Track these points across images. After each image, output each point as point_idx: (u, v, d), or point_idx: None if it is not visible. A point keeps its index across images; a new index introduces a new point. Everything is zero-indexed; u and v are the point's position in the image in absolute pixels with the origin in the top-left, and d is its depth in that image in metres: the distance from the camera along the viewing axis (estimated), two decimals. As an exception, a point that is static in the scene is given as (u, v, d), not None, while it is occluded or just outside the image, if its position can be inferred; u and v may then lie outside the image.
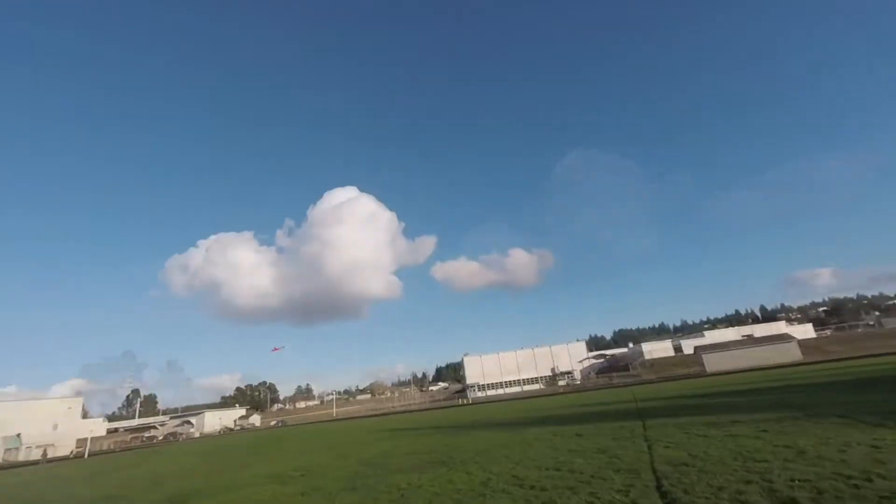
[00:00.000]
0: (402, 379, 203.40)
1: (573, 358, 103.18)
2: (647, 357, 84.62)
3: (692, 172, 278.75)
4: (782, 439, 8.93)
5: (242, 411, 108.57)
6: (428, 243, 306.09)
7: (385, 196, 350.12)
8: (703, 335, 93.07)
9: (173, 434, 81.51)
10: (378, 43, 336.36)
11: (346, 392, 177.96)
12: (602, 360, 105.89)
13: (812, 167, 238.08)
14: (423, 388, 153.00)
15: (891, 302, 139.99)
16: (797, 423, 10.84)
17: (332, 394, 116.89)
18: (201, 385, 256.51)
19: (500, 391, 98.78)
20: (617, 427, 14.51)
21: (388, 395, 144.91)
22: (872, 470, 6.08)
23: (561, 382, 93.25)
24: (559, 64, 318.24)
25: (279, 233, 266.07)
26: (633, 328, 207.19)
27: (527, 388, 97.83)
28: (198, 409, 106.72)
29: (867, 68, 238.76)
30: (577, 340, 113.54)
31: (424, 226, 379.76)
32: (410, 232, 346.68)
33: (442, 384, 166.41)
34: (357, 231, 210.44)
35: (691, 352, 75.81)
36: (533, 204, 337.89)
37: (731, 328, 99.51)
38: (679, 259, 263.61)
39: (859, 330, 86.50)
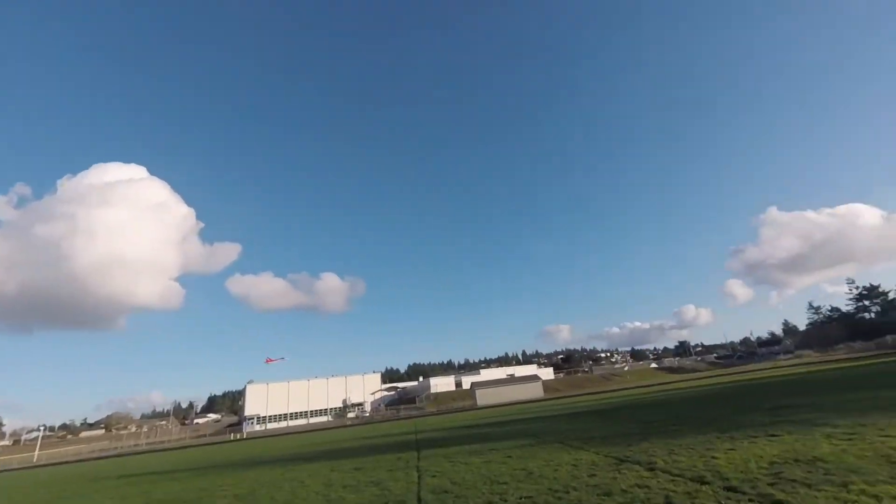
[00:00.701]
0: (160, 409, 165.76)
1: (367, 389, 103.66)
2: (432, 391, 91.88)
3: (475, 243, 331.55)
4: (519, 463, 10.86)
5: None
6: (229, 251, 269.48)
7: (186, 188, 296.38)
8: (479, 373, 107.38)
9: None
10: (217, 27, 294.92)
11: (64, 427, 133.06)
12: (394, 392, 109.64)
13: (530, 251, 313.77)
14: (186, 421, 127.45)
15: (599, 355, 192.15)
16: (532, 448, 13.38)
17: (39, 429, 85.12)
18: None
19: (285, 424, 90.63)
20: (395, 459, 15.04)
21: (134, 429, 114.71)
22: (570, 484, 7.94)
23: (350, 414, 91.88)
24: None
25: (1, 199, 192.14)
26: (426, 363, 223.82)
27: (315, 420, 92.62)
28: None
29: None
30: (374, 372, 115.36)
31: (229, 231, 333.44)
32: (210, 235, 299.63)
33: (213, 416, 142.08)
34: (132, 220, 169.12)
35: (469, 387, 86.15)
36: (354, 227, 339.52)
37: (500, 368, 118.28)
38: (464, 308, 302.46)
39: (579, 374, 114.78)
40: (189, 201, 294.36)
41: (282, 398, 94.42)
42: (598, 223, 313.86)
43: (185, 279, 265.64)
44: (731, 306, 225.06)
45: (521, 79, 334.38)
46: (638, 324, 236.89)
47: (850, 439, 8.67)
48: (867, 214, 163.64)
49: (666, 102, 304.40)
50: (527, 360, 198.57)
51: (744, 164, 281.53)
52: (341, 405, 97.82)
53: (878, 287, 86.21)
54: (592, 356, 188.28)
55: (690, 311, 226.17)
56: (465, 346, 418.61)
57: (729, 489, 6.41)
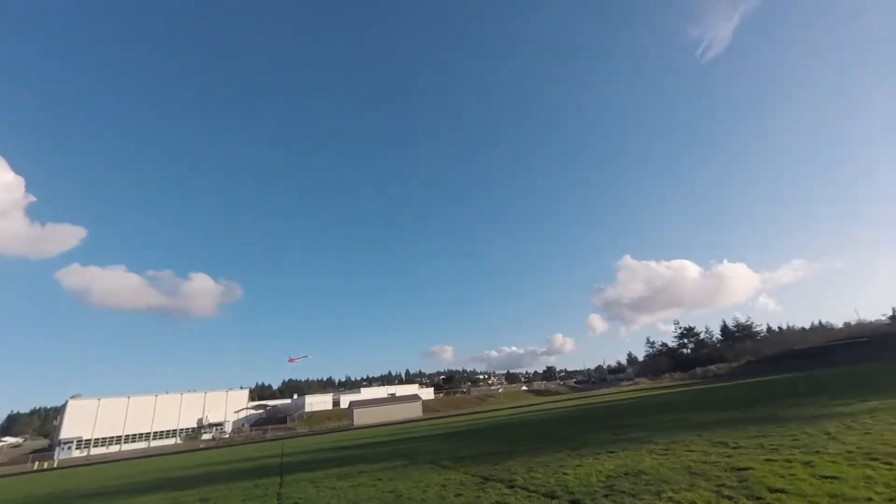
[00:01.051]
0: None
1: (231, 407, 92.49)
2: (307, 409, 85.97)
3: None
4: (389, 485, 10.70)
5: None
6: (68, 235, 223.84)
7: (16, 153, 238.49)
8: (359, 391, 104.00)
9: None
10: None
11: None
12: (262, 411, 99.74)
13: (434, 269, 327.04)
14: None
15: (478, 376, 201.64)
16: (404, 469, 13.31)
17: None
18: None
19: (117, 448, 75.51)
20: (252, 486, 13.60)
21: None
22: (436, 504, 8.08)
23: (206, 436, 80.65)
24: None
25: None
26: (303, 379, 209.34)
27: (159, 443, 79.06)
28: None
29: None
30: (242, 388, 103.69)
31: (72, 211, 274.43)
32: (42, 213, 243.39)
33: (11, 440, 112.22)
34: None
35: (347, 406, 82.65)
36: (236, 225, 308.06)
37: (382, 387, 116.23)
38: (350, 324, 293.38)
39: (458, 395, 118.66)
40: (17, 168, 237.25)
41: (116, 417, 78.58)
42: (484, 253, 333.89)
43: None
44: (591, 337, 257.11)
45: (413, 95, 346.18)
46: (514, 348, 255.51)
47: (665, 454, 10.43)
48: (691, 269, 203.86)
49: (548, 161, 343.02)
50: (410, 379, 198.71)
51: (611, 216, 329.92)
52: (196, 425, 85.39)
53: (693, 329, 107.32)
54: (472, 377, 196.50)
55: (559, 339, 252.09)
56: (349, 364, 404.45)
57: (573, 502, 7.24)
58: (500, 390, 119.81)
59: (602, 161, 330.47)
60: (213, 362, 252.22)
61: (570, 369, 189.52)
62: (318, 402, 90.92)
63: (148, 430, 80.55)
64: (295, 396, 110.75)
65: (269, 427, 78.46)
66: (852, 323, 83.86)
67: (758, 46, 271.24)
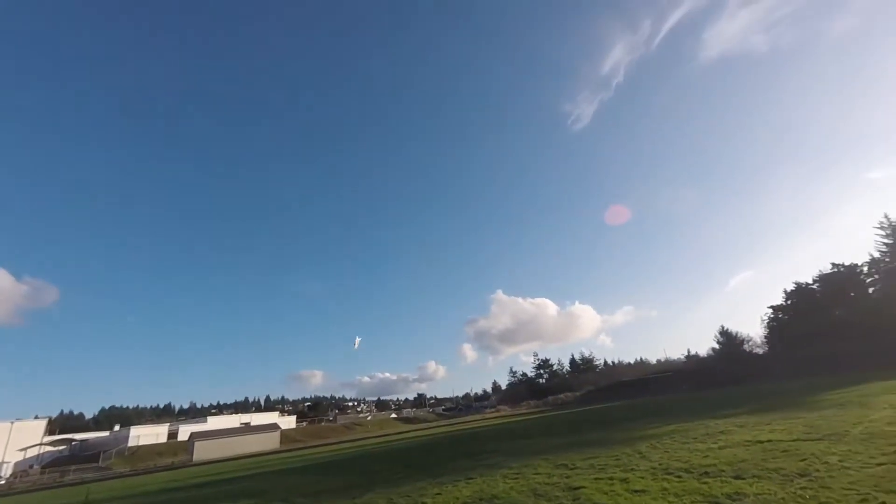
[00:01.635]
0: None
1: (17, 443, 71.34)
2: (131, 444, 71.10)
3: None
4: (230, 530, 9.40)
5: None
6: None
7: None
8: (206, 420, 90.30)
9: None
10: None
11: None
12: (65, 447, 79.16)
13: (305, 290, 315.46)
14: None
15: (347, 403, 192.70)
16: (250, 511, 11.86)
17: None
18: None
19: None
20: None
21: None
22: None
23: (-34, 483, 60.40)
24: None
25: None
26: (131, 406, 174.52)
27: None
28: None
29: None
30: (36, 418, 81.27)
31: None
32: None
33: None
34: None
35: (187, 438, 70.82)
36: (44, 208, 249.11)
37: (235, 415, 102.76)
38: (196, 343, 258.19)
39: (323, 423, 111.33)
40: None
41: None
42: (359, 275, 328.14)
43: None
44: (462, 365, 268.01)
45: (307, 101, 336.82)
46: (388, 374, 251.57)
47: (516, 478, 11.29)
48: (550, 307, 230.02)
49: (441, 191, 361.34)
50: (269, 406, 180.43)
51: (490, 254, 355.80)
52: (-49, 470, 63.47)
53: (548, 360, 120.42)
54: (340, 404, 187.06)
55: (432, 366, 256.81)
56: (195, 388, 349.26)
57: (429, 531, 7.30)
58: (370, 418, 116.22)
59: (487, 208, 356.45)
60: (3, 385, 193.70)
61: (440, 396, 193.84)
62: (147, 435, 75.97)
63: None
64: (116, 427, 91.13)
65: (72, 467, 62.48)
66: (662, 360, 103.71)
67: (614, 122, 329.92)
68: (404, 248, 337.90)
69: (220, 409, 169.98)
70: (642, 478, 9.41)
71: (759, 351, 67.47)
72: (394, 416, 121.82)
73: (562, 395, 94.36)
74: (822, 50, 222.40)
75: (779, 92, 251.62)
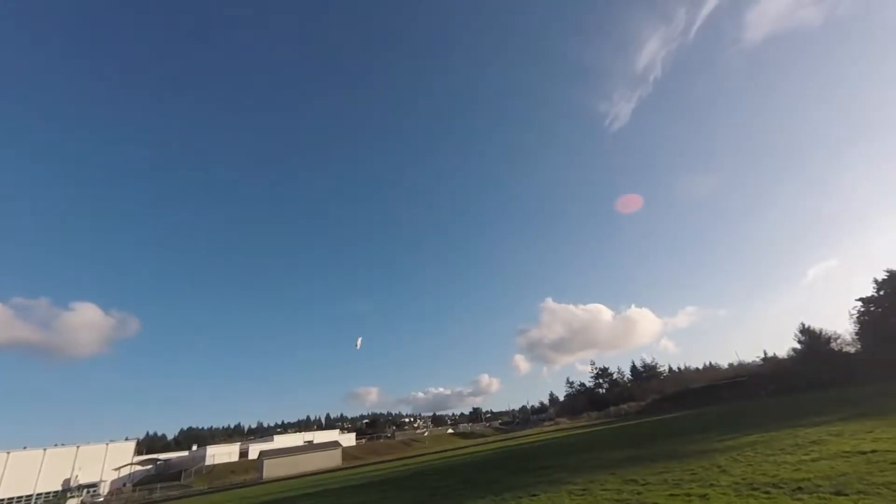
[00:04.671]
0: None
1: (112, 463, 78.45)
2: (208, 463, 75.77)
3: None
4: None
5: None
6: None
7: None
8: (272, 439, 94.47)
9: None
10: None
11: None
12: (151, 466, 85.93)
13: (358, 309, 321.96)
14: None
15: (403, 419, 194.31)
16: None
17: None
18: None
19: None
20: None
21: None
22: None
23: (72, 500, 67.09)
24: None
25: None
26: (206, 427, 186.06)
27: (4, 513, 64.19)
28: None
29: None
30: (127, 439, 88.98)
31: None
32: None
33: None
34: None
35: (256, 456, 74.39)
36: (128, 246, 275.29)
37: (298, 433, 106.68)
38: (261, 366, 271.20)
39: (381, 440, 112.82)
40: None
41: (-54, 482, 62.71)
42: (412, 292, 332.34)
43: None
44: (516, 377, 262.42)
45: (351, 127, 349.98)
46: (441, 389, 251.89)
47: (582, 495, 10.75)
48: (605, 313, 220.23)
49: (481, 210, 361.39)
50: (330, 424, 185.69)
51: (536, 261, 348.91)
52: (61, 488, 70.75)
53: (607, 369, 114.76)
54: (397, 421, 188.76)
55: (485, 379, 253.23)
56: (261, 409, 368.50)
57: (494, 551, 7.08)
58: (426, 434, 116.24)
59: (530, 214, 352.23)
60: (95, 409, 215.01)
61: (495, 410, 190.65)
62: (221, 454, 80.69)
63: (-6, 497, 65.18)
64: (194, 447, 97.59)
65: (159, 485, 67.57)
66: (735, 364, 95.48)
67: (655, 117, 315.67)
68: (450, 262, 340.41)
69: (284, 428, 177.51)
70: (724, 494, 8.62)
71: (850, 349, 60.28)
72: (450, 431, 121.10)
73: (624, 406, 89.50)
74: (888, 14, 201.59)
75: (840, 66, 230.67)
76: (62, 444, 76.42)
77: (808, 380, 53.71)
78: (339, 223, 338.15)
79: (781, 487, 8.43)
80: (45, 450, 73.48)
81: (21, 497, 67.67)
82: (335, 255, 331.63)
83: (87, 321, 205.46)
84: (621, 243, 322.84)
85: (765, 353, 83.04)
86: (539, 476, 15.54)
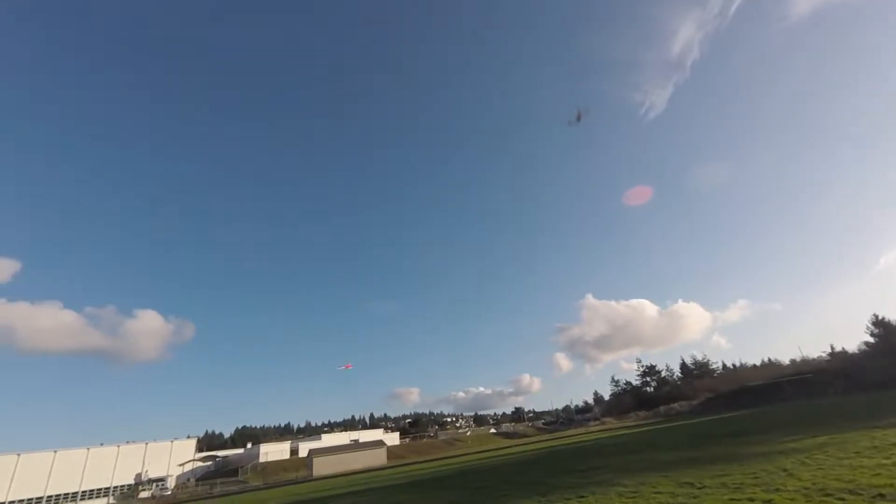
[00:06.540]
0: None
1: (176, 460, 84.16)
2: (261, 460, 79.57)
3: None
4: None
5: None
6: None
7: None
8: (320, 438, 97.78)
9: None
10: None
11: None
12: (210, 462, 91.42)
13: (396, 310, 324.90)
14: None
15: (445, 419, 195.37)
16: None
17: None
18: None
19: (33, 512, 66.31)
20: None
21: None
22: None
23: (144, 493, 72.53)
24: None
25: None
26: (258, 426, 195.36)
27: (88, 503, 70.30)
28: None
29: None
30: (188, 437, 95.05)
31: (7, 243, 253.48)
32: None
33: None
34: None
35: (306, 455, 77.26)
36: (184, 257, 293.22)
37: (345, 432, 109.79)
38: (308, 366, 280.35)
39: (424, 440, 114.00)
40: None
41: (39, 475, 69.41)
42: (448, 291, 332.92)
43: None
44: (558, 376, 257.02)
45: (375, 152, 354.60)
46: (482, 389, 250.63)
47: (633, 497, 10.33)
48: (649, 308, 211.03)
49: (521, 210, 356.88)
50: (374, 423, 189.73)
51: (574, 257, 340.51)
52: (133, 481, 76.64)
53: (655, 367, 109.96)
54: (439, 420, 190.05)
55: (526, 379, 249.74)
56: (308, 408, 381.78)
57: (543, 553, 6.92)
58: (468, 433, 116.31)
59: (567, 208, 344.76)
60: (158, 409, 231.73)
61: (538, 410, 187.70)
62: (273, 452, 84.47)
63: (76, 489, 71.52)
64: (248, 445, 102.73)
65: (219, 481, 71.69)
66: (797, 360, 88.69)
67: (695, 102, 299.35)
68: (486, 260, 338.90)
69: (331, 427, 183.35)
70: (792, 500, 8.00)
71: (934, 342, 54.56)
72: (493, 431, 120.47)
73: (675, 405, 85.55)
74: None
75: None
76: (132, 442, 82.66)
77: (883, 376, 49.06)
78: (377, 225, 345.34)
79: (860, 494, 7.71)
80: (118, 446, 79.82)
81: (101, 489, 73.87)
82: (375, 257, 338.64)
83: (149, 327, 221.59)
84: (663, 235, 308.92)
85: (832, 348, 76.79)
86: (586, 477, 15.11)
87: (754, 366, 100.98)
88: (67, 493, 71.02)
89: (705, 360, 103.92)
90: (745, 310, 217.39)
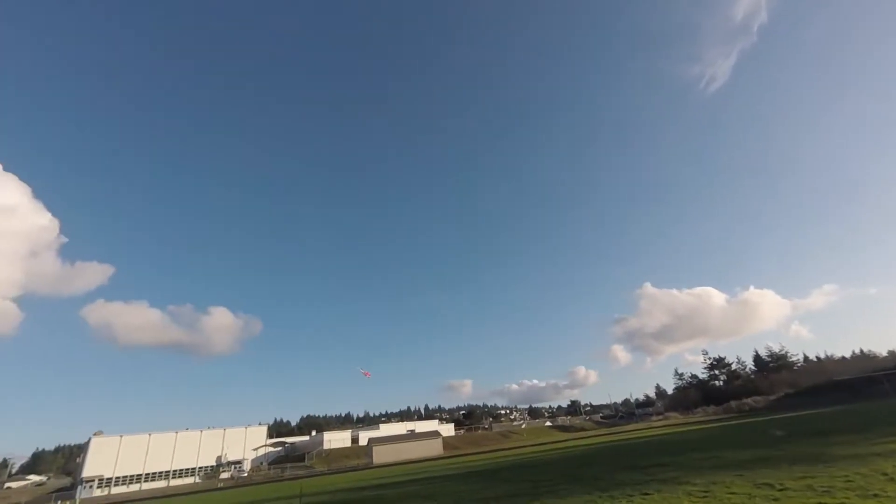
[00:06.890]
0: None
1: (249, 445, 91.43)
2: (325, 447, 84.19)
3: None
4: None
5: None
6: (95, 272, 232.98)
7: (53, 196, 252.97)
8: (378, 427, 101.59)
9: None
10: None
11: None
12: (280, 448, 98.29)
13: (452, 302, 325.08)
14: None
15: (499, 411, 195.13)
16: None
17: None
18: None
19: (137, 487, 74.97)
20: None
21: None
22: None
23: (224, 475, 79.52)
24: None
25: None
26: (321, 415, 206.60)
27: (178, 482, 78.22)
28: None
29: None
30: (260, 424, 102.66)
31: (101, 249, 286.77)
32: (73, 252, 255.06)
33: (35, 478, 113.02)
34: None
35: (366, 443, 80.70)
36: (255, 258, 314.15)
37: (401, 423, 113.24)
38: (367, 358, 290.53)
39: (479, 431, 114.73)
40: (55, 211, 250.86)
41: (137, 455, 78.38)
42: (501, 284, 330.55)
43: (26, 300, 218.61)
44: (615, 369, 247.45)
45: (434, 142, 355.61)
46: (535, 381, 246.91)
47: (704, 497, 9.75)
48: (716, 297, 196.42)
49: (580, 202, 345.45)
50: (429, 414, 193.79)
51: (629, 244, 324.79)
52: (215, 463, 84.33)
53: (724, 359, 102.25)
54: (493, 413, 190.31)
55: (581, 372, 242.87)
56: (366, 399, 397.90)
57: (606, 550, 6.74)
58: (523, 426, 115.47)
59: (619, 191, 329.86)
60: (232, 398, 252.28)
61: (594, 403, 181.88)
62: (336, 440, 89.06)
63: (168, 469, 79.94)
64: (313, 433, 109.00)
65: (288, 465, 76.96)
66: (897, 351, 78.67)
67: (763, 70, 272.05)
68: (537, 249, 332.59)
69: (388, 417, 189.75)
70: (894, 507, 7.16)
71: None
72: (548, 424, 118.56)
73: (748, 400, 79.36)
74: None
75: None
76: (212, 428, 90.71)
77: None
78: (435, 219, 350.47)
79: (980, 504, 6.75)
80: (201, 431, 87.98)
81: (188, 469, 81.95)
82: (432, 250, 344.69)
83: (221, 323, 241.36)
84: (731, 216, 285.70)
85: (940, 338, 67.20)
86: (650, 474, 14.48)
87: (843, 358, 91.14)
88: (160, 472, 79.46)
89: (783, 352, 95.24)
90: (832, 296, 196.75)
